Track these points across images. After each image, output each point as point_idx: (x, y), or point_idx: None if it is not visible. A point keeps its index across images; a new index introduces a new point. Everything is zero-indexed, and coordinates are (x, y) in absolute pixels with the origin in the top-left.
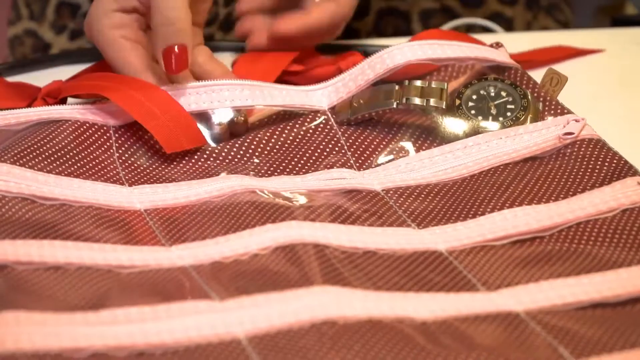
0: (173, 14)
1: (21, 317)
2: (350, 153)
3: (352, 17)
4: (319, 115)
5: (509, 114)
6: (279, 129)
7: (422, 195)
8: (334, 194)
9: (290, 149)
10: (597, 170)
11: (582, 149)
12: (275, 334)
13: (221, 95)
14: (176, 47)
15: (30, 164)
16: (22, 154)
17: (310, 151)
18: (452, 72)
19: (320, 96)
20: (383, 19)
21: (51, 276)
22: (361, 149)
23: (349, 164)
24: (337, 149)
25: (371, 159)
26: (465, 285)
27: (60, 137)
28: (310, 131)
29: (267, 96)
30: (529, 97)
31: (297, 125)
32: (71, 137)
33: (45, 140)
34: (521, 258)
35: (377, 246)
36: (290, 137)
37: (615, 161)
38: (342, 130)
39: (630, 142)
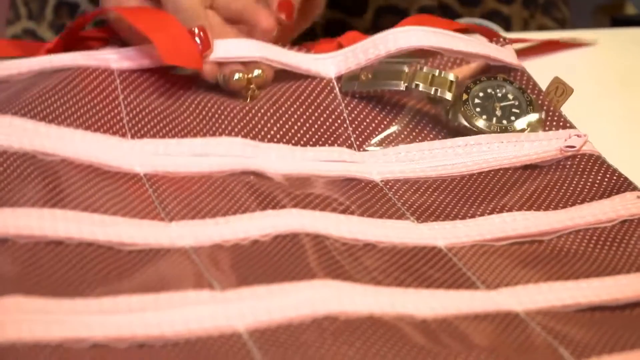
0: (183, 2)
1: (22, 303)
2: (351, 128)
3: (350, 15)
4: (324, 82)
5: (512, 117)
6: (282, 89)
7: (422, 189)
8: (333, 181)
9: (293, 109)
10: (596, 184)
11: (582, 163)
12: (276, 329)
13: (228, 50)
14: (196, 30)
15: (31, 114)
16: (23, 104)
17: (312, 119)
18: (449, 60)
19: (330, 64)
20: (381, 16)
21: (51, 252)
22: (363, 126)
23: (349, 141)
24: (339, 121)
25: (372, 137)
26: (465, 283)
27: (62, 84)
28: (313, 96)
29: (276, 54)
30: (534, 104)
31: (302, 88)
32: (74, 83)
33: (47, 89)
34: (520, 259)
35: (378, 239)
36: (293, 98)
37: (615, 177)
38: (345, 101)
39: (630, 142)
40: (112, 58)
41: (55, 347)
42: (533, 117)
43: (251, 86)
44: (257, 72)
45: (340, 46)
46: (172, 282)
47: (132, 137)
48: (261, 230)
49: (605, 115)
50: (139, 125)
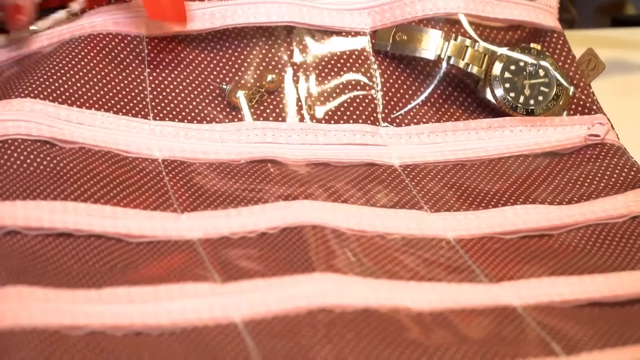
0: None
1: (24, 292)
2: (380, 95)
3: None
4: (359, 36)
5: (540, 98)
6: (316, 46)
7: (440, 175)
8: (352, 167)
9: (322, 76)
10: (614, 178)
11: (602, 154)
12: (272, 319)
13: (257, 11)
14: None
15: (53, 95)
16: (45, 84)
17: (342, 84)
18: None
19: (367, 15)
20: None
21: (59, 245)
22: (391, 93)
23: (374, 114)
24: (370, 84)
25: (398, 107)
26: (469, 276)
27: (86, 61)
28: (347, 54)
29: (306, 15)
30: (564, 83)
31: (334, 43)
32: (99, 58)
33: (70, 66)
34: (527, 253)
35: (387, 230)
36: (325, 61)
37: (633, 171)
38: (378, 60)
39: (629, 143)
40: (142, 23)
41: (53, 334)
42: (561, 97)
43: (260, 92)
44: (270, 77)
45: None
46: (175, 275)
47: (154, 117)
48: (270, 223)
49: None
50: (162, 105)
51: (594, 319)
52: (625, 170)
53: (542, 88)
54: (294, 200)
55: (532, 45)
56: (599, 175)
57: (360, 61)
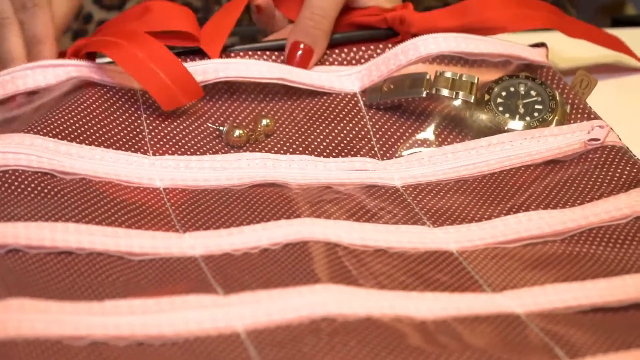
0: (323, 21)
1: (25, 304)
2: (375, 139)
3: None
4: (348, 97)
5: (536, 114)
6: (306, 102)
7: (441, 193)
8: (354, 189)
9: (317, 124)
10: (616, 178)
11: (604, 156)
12: (274, 329)
13: (249, 68)
14: (302, 46)
15: (53, 132)
16: (46, 124)
17: (337, 130)
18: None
19: (354, 80)
20: None
21: (61, 262)
22: (387, 136)
23: (372, 152)
24: (363, 133)
25: (396, 147)
26: (472, 286)
27: (86, 104)
28: (339, 109)
29: (296, 75)
30: (558, 98)
31: (328, 101)
32: (98, 102)
33: (71, 108)
34: (530, 261)
35: (389, 245)
36: (319, 112)
37: (636, 169)
38: (370, 114)
39: (630, 143)
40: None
41: (54, 344)
42: (556, 110)
43: (257, 130)
44: (265, 121)
45: (385, 21)
46: (177, 287)
47: (154, 154)
48: (272, 240)
49: (605, 116)
50: (161, 143)
51: (598, 323)
52: (628, 168)
53: (536, 106)
54: (295, 219)
55: (520, 74)
56: (602, 176)
57: (351, 115)
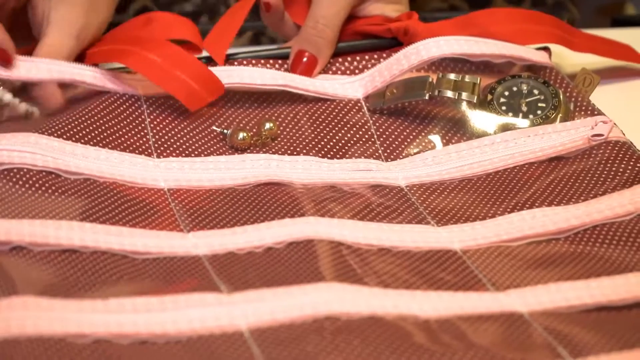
0: (326, 30)
1: (29, 302)
2: (379, 142)
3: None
4: (352, 102)
5: (539, 112)
6: (310, 107)
7: (446, 192)
8: (358, 189)
9: (320, 128)
10: (620, 173)
11: (608, 152)
12: (278, 328)
13: (252, 75)
14: (306, 55)
15: (57, 133)
16: (51, 125)
17: (340, 135)
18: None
19: (357, 87)
20: None
21: (65, 260)
22: (390, 139)
23: (377, 154)
24: (367, 136)
25: (399, 149)
26: (475, 285)
27: (89, 108)
28: (342, 114)
29: (299, 82)
30: (561, 96)
31: (331, 107)
32: (102, 106)
33: (75, 112)
34: (534, 259)
35: (393, 244)
36: (322, 117)
37: (639, 165)
38: (373, 118)
39: (633, 141)
40: (140, 86)
41: (58, 342)
42: (559, 107)
43: (262, 133)
44: (268, 125)
45: (389, 31)
46: (181, 286)
47: (158, 156)
48: (276, 238)
49: (608, 114)
50: (165, 146)
51: (601, 322)
52: (632, 163)
53: (539, 104)
54: (300, 217)
55: (523, 74)
56: (605, 171)
57: (355, 119)
